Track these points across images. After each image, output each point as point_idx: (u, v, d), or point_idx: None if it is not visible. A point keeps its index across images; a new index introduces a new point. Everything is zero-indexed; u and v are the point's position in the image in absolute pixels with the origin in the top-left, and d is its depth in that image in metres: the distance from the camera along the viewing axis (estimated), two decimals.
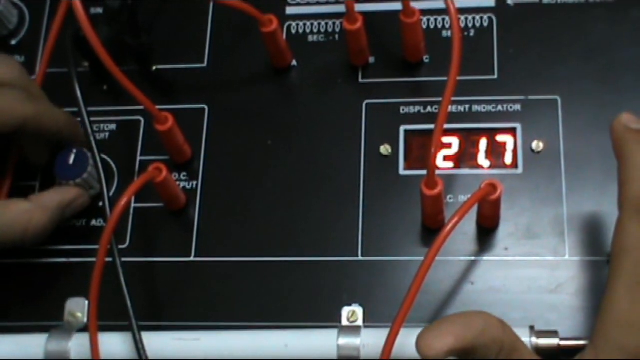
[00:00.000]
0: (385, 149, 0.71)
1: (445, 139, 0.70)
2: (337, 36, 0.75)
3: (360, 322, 0.66)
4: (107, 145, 0.74)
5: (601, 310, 0.55)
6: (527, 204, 0.68)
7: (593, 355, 0.54)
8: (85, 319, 0.68)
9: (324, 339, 0.64)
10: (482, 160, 0.70)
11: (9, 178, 0.74)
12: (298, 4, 0.77)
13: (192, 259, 0.70)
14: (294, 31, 0.76)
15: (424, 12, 0.73)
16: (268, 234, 0.70)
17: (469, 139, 0.70)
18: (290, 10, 0.77)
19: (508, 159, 0.69)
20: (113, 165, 0.74)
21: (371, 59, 0.74)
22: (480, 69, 0.72)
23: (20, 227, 0.68)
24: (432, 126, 0.62)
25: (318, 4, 0.76)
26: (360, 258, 0.68)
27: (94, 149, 0.69)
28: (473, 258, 0.67)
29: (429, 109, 0.72)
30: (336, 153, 0.72)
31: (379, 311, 0.66)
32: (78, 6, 0.62)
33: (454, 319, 0.55)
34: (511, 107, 0.71)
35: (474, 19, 0.74)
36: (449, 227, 0.58)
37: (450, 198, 0.69)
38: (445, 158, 0.70)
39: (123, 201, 0.63)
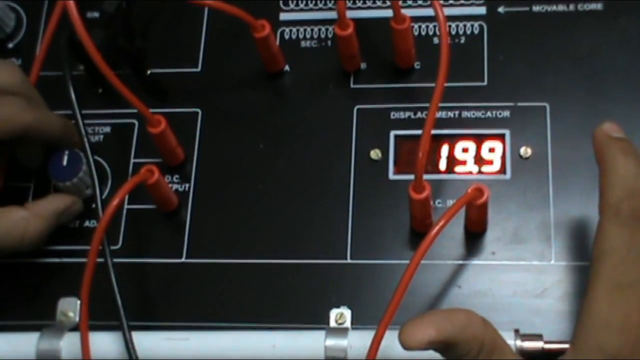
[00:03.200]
0: (375, 154, 0.72)
1: (435, 144, 0.71)
2: (329, 42, 0.76)
3: (348, 324, 0.66)
4: (101, 148, 0.75)
5: (581, 312, 0.55)
6: (515, 209, 0.69)
7: (573, 357, 0.55)
8: (77, 319, 0.69)
9: (311, 340, 0.65)
10: (471, 165, 0.70)
11: (0, 180, 0.74)
12: (291, 10, 0.78)
13: (183, 260, 0.71)
14: (287, 37, 0.77)
15: (416, 19, 0.74)
16: (258, 237, 0.71)
17: (457, 144, 0.71)
18: (283, 17, 0.77)
19: (496, 164, 0.70)
20: (107, 167, 0.74)
21: (363, 65, 0.75)
22: (470, 75, 0.73)
23: (17, 235, 0.68)
24: (421, 131, 0.63)
25: (311, 10, 0.77)
26: (349, 261, 0.69)
27: (87, 151, 0.70)
28: (460, 262, 0.68)
29: (419, 114, 0.72)
30: (327, 157, 0.72)
31: (367, 313, 0.67)
32: (72, 10, 0.63)
33: (437, 312, 0.56)
34: (500, 114, 0.71)
35: (464, 26, 0.74)
36: (435, 230, 0.58)
37: (438, 203, 0.69)
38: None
39: (115, 202, 0.64)
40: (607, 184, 0.57)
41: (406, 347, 0.52)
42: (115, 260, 0.67)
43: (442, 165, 0.71)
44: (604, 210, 0.56)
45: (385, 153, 0.72)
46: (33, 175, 0.75)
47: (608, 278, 0.54)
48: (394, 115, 0.73)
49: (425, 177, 0.65)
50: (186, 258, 0.71)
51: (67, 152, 0.71)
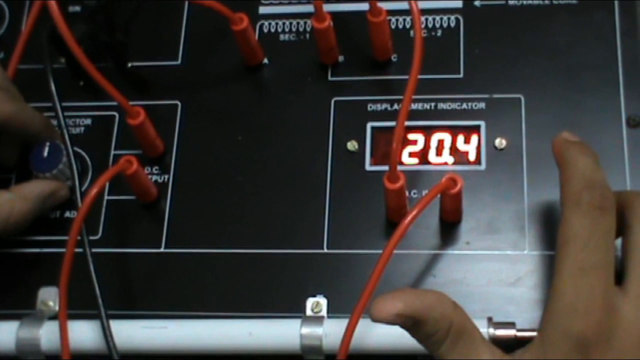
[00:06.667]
0: (352, 145, 0.72)
1: (411, 136, 0.71)
2: (308, 35, 0.77)
3: (324, 313, 0.67)
4: (82, 140, 0.75)
5: (548, 299, 0.57)
6: (489, 200, 0.69)
7: (540, 342, 0.56)
8: (57, 308, 0.69)
9: (287, 328, 0.65)
10: (447, 156, 0.71)
11: None
12: (270, 4, 0.78)
13: (162, 250, 0.72)
14: (266, 30, 0.77)
15: (393, 12, 0.75)
16: (236, 227, 0.71)
17: (433, 136, 0.72)
18: (262, 10, 0.78)
19: (472, 155, 0.71)
20: (87, 159, 0.75)
21: (340, 58, 0.75)
22: (447, 67, 0.74)
23: (2, 217, 0.69)
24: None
25: (290, 3, 0.78)
26: (325, 251, 0.70)
27: (66, 142, 0.71)
28: (435, 252, 0.69)
29: (395, 106, 0.73)
30: (305, 148, 0.73)
31: (343, 303, 0.67)
32: (52, 4, 0.64)
33: (409, 289, 0.59)
34: (476, 105, 0.72)
35: (441, 19, 0.75)
36: (408, 219, 0.59)
37: (414, 193, 0.70)
38: (411, 154, 0.71)
39: (93, 191, 0.65)
40: (567, 177, 0.59)
41: (374, 319, 0.53)
42: (95, 250, 0.68)
43: (418, 156, 0.71)
44: (566, 200, 0.58)
45: (362, 144, 0.72)
46: (14, 168, 0.76)
47: (572, 263, 0.56)
48: (371, 107, 0.73)
49: (401, 168, 0.66)
50: (165, 248, 0.72)
51: (48, 144, 0.72)
